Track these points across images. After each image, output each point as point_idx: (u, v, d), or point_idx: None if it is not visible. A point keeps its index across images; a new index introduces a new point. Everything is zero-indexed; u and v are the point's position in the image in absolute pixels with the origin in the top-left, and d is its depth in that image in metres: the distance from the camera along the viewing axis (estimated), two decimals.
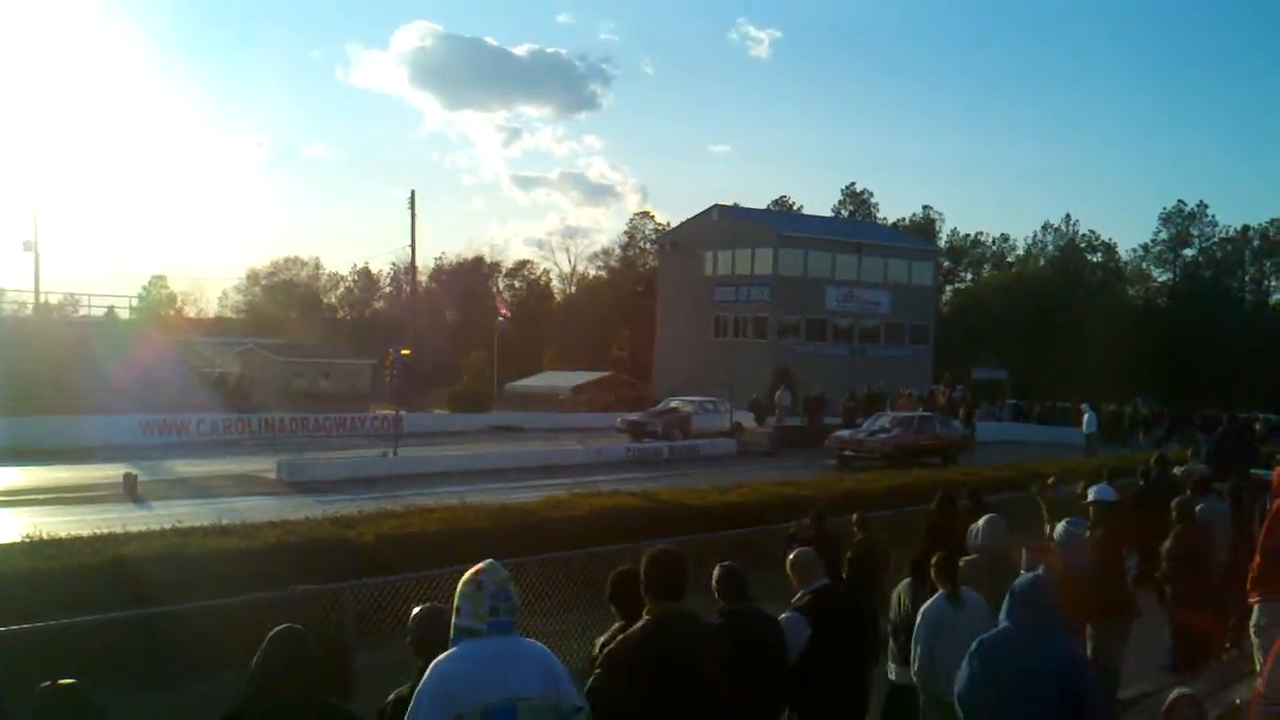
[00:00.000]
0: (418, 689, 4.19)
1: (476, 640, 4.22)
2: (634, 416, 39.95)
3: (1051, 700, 5.35)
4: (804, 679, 6.27)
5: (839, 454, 31.61)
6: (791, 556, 6.87)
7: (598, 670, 4.94)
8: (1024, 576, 5.71)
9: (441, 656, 4.25)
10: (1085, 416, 39.63)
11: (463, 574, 4.37)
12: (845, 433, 33.49)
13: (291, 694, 4.18)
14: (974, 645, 5.68)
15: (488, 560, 4.46)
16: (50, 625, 8.41)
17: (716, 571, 6.17)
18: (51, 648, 8.01)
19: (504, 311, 64.45)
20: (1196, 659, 10.60)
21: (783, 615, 6.42)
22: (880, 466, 27.78)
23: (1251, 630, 8.30)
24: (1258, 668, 8.27)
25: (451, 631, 4.29)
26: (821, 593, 6.62)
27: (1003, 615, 5.64)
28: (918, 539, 11.35)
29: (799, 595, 6.62)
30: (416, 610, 4.94)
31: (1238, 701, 8.72)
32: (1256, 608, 8.16)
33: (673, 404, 40.87)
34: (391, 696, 4.77)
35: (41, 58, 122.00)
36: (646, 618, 5.08)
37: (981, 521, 9.04)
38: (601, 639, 5.67)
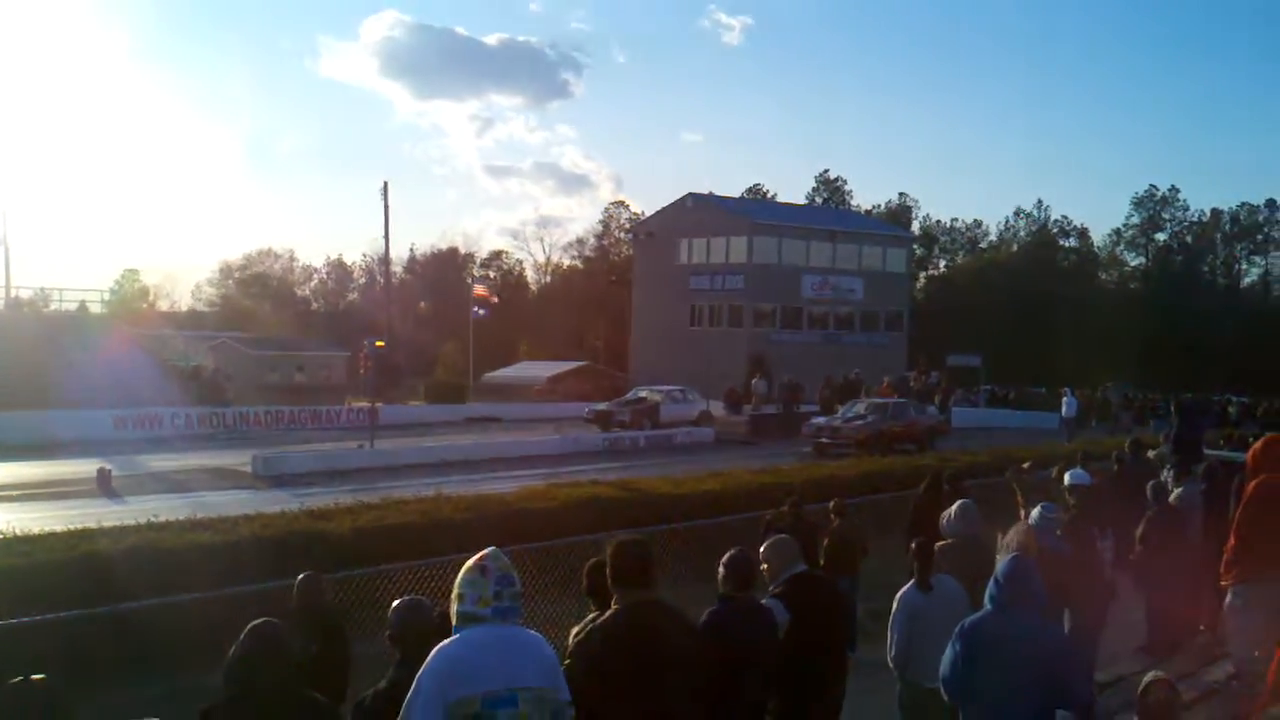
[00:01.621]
0: (419, 672, 4.17)
1: (480, 626, 4.23)
2: (601, 406, 39.70)
3: (1035, 682, 5.37)
4: (783, 664, 6.27)
5: (815, 441, 31.76)
6: (766, 544, 6.86)
7: (568, 661, 4.93)
8: (1006, 560, 5.72)
9: (445, 642, 4.25)
10: (1065, 401, 39.76)
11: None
12: (821, 420, 33.60)
13: (270, 687, 4.16)
14: (958, 629, 5.69)
15: (490, 547, 4.48)
16: (23, 622, 8.35)
17: (725, 558, 6.16)
18: (24, 644, 7.97)
19: (490, 297, 63.70)
20: (1172, 641, 10.68)
21: (762, 601, 6.42)
22: (856, 453, 27.89)
23: (1226, 613, 8.34)
24: (1231, 651, 8.34)
25: (454, 619, 4.29)
26: (799, 579, 6.62)
27: (986, 598, 5.65)
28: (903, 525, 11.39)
29: (776, 581, 6.61)
30: (396, 603, 4.91)
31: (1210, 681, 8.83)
32: (1231, 590, 8.19)
33: (641, 393, 40.79)
34: (370, 690, 4.74)
35: (8, 52, 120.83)
36: (615, 607, 5.08)
37: (954, 507, 9.02)
38: (575, 629, 5.67)
